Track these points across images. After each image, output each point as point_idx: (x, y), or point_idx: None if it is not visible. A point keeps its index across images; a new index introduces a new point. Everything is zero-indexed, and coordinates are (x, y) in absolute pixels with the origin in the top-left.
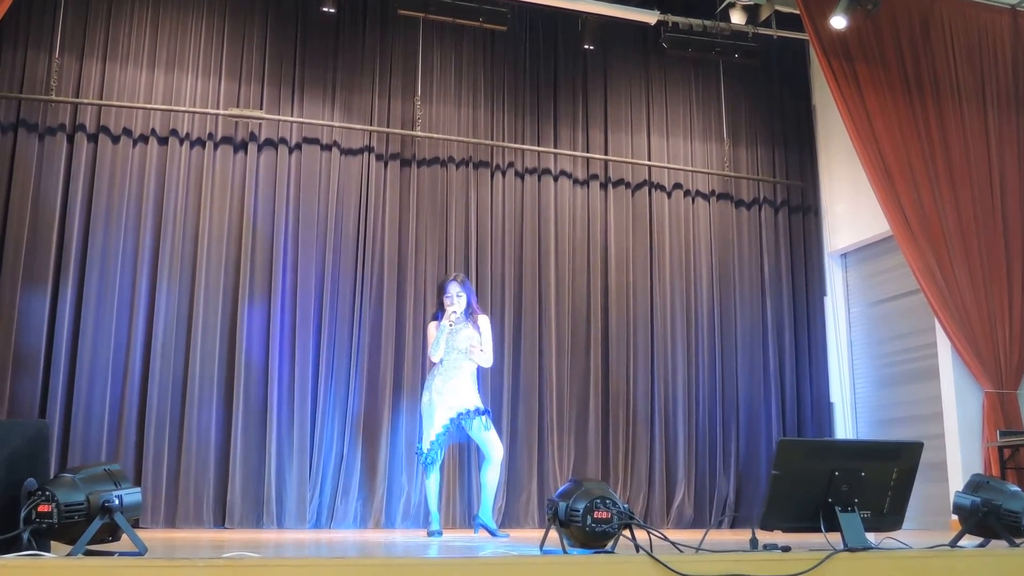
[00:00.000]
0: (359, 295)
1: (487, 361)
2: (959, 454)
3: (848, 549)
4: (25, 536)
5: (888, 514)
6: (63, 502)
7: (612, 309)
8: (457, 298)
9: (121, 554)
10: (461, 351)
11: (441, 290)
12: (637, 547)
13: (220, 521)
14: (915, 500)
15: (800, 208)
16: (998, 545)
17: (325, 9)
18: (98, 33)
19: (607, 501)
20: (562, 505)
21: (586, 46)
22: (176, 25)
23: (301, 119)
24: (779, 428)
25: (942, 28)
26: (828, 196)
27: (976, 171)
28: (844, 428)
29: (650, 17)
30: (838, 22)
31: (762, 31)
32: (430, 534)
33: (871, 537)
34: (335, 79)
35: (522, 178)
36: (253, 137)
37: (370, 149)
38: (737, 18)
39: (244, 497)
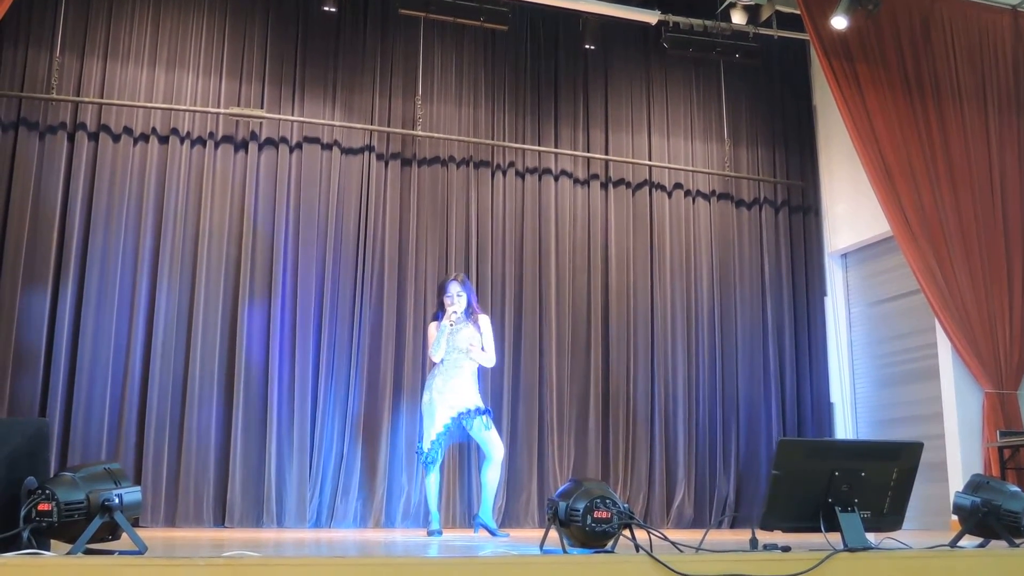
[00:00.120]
0: (359, 294)
1: (490, 361)
2: (959, 454)
3: (848, 549)
4: (25, 535)
5: (888, 514)
6: (63, 501)
7: (612, 309)
8: (458, 298)
9: (121, 553)
10: (462, 351)
11: (441, 290)
12: (637, 547)
13: (220, 520)
14: (915, 500)
15: (800, 208)
16: (998, 545)
17: (326, 8)
18: (99, 32)
19: (607, 501)
20: (562, 505)
21: (587, 46)
22: (177, 24)
23: (302, 118)
24: (779, 428)
25: (943, 28)
26: (828, 196)
27: (976, 171)
28: (844, 428)
29: (651, 17)
30: (839, 22)
31: (763, 31)
32: (430, 534)
33: (871, 537)
34: (336, 78)
35: (523, 178)
36: (254, 136)
37: (371, 148)
38: (738, 18)
39: (244, 496)
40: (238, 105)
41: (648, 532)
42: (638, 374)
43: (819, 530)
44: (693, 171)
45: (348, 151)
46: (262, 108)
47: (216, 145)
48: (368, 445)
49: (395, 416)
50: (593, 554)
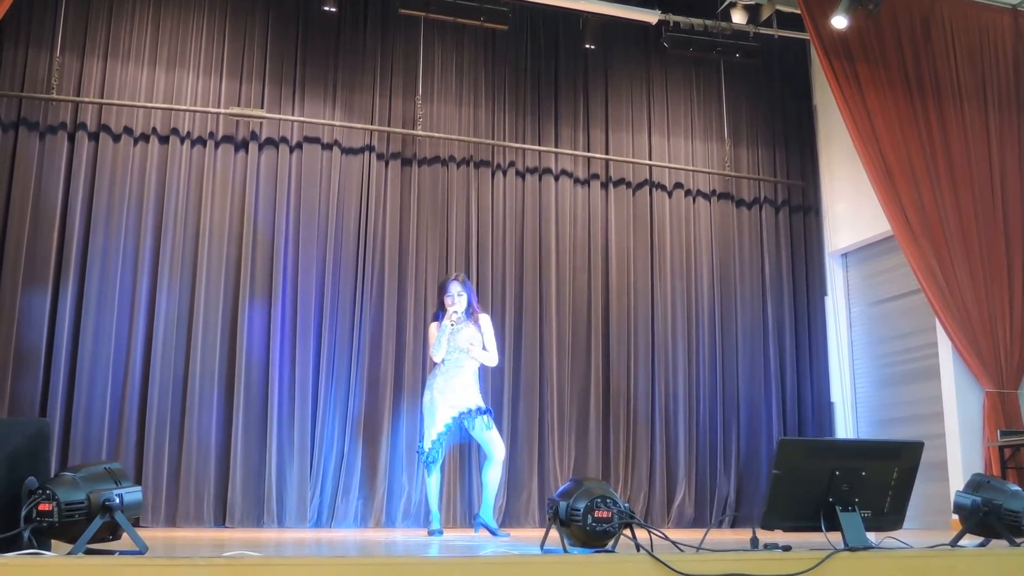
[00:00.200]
0: (360, 294)
1: (492, 360)
2: (959, 454)
3: (849, 548)
4: (26, 535)
5: (889, 513)
6: (64, 501)
7: (613, 308)
8: (458, 297)
9: (122, 553)
10: (463, 351)
11: (442, 290)
12: (638, 546)
13: (221, 520)
14: (916, 500)
15: (801, 208)
16: (999, 545)
17: (326, 8)
18: (99, 32)
19: (608, 500)
20: (563, 504)
21: (587, 45)
22: (177, 24)
23: (302, 118)
24: (780, 428)
25: (943, 28)
26: (829, 196)
27: (977, 171)
28: (845, 428)
29: (651, 17)
30: (839, 22)
31: (763, 31)
32: (431, 533)
33: (872, 536)
34: (336, 78)
35: (523, 177)
36: (254, 136)
37: (371, 148)
38: (738, 18)
39: (245, 496)
40: (238, 105)
41: (649, 531)
42: (638, 373)
43: (820, 529)
44: (693, 171)
45: (348, 151)
46: (262, 108)
47: (216, 145)
48: (369, 445)
49: (396, 416)
50: (594, 554)
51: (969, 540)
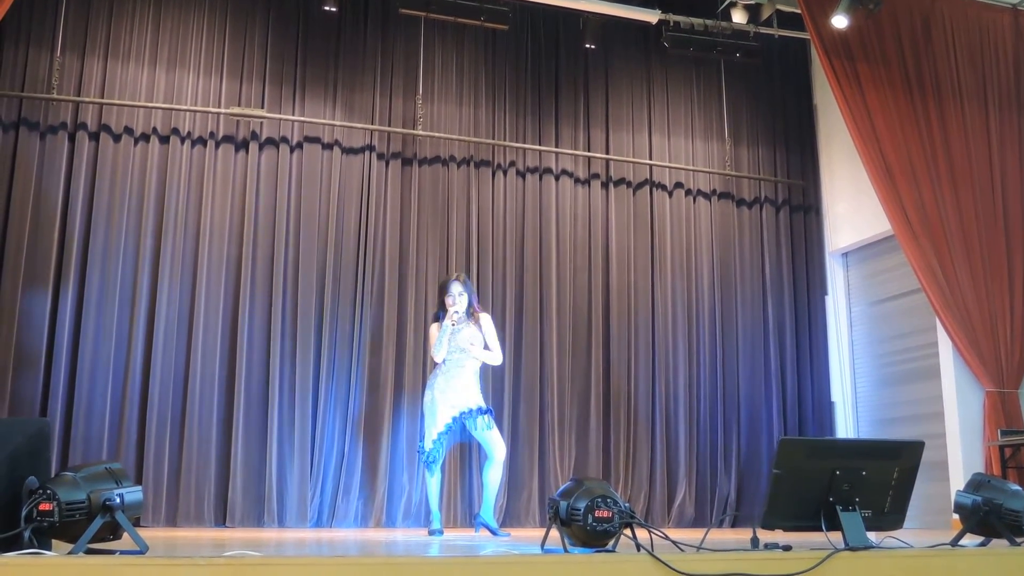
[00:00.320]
0: (360, 294)
1: (496, 359)
2: (960, 453)
3: (849, 548)
4: (26, 534)
5: (889, 513)
6: (64, 500)
7: (613, 308)
8: (459, 297)
9: (122, 553)
10: (463, 351)
11: (443, 290)
12: (638, 546)
13: (221, 520)
14: (916, 499)
15: (801, 207)
16: (999, 544)
17: (326, 8)
18: (99, 32)
19: (608, 500)
20: (563, 504)
21: (587, 45)
22: (177, 24)
23: (302, 118)
24: (780, 427)
25: (943, 27)
26: (829, 195)
27: (977, 170)
28: (845, 427)
29: (651, 16)
30: (839, 21)
31: (763, 30)
32: (431, 533)
33: (872, 536)
34: (336, 78)
35: (523, 177)
36: (254, 136)
37: (371, 148)
38: (738, 17)
39: (245, 496)
40: (239, 105)
41: (649, 531)
42: (639, 373)
43: (820, 529)
44: (694, 170)
45: (349, 151)
46: (263, 108)
47: (217, 145)
48: (369, 445)
49: (396, 415)
50: (594, 553)
51: (970, 540)
